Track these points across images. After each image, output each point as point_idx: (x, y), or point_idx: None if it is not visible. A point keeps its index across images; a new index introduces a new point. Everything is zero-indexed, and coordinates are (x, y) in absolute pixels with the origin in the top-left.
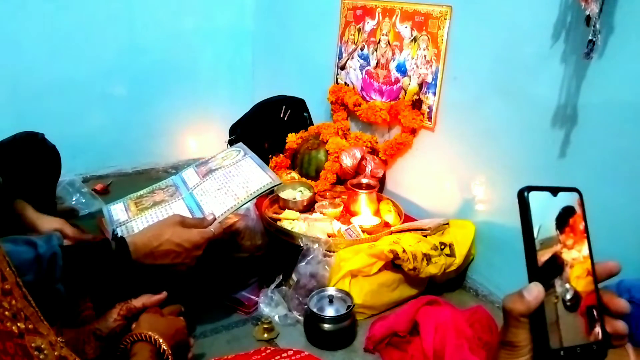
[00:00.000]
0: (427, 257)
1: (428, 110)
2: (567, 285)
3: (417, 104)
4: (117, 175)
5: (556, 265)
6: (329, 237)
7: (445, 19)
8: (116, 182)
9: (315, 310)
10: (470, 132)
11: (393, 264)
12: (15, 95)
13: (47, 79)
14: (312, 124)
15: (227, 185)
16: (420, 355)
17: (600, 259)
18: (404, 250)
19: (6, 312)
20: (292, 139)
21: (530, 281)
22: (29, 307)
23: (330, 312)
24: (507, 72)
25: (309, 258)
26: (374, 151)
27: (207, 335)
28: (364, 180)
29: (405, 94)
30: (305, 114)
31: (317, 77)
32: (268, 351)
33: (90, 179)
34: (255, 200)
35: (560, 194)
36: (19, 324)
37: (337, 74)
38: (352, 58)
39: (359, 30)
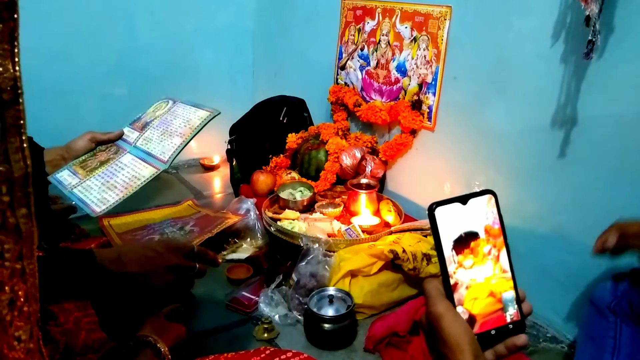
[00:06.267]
0: (427, 257)
1: (428, 110)
2: (459, 309)
3: (417, 104)
4: None
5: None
6: (329, 237)
7: (445, 19)
8: None
9: (315, 310)
10: (470, 132)
11: (393, 264)
12: None
13: (46, 79)
14: (312, 124)
15: (169, 129)
16: (420, 355)
17: (602, 258)
18: (404, 250)
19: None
20: (292, 139)
21: (446, 295)
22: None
23: (330, 312)
24: (506, 72)
25: (309, 258)
26: (374, 151)
27: (207, 335)
28: (364, 180)
29: (405, 94)
30: (305, 114)
31: (317, 77)
32: (268, 352)
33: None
34: (200, 132)
35: (471, 201)
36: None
37: (337, 74)
38: (352, 58)
39: (359, 30)
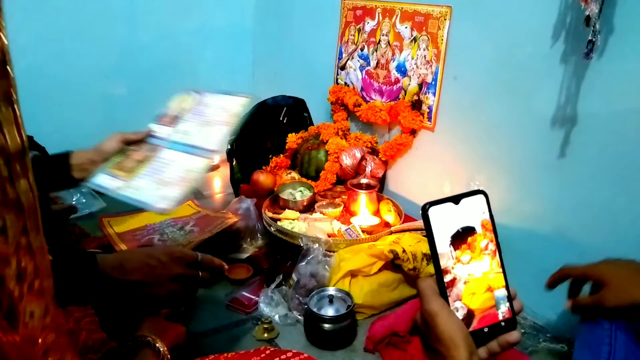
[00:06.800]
0: (427, 257)
1: (428, 110)
2: (458, 304)
3: (417, 104)
4: None
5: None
6: (329, 237)
7: (445, 19)
8: None
9: (315, 310)
10: (470, 132)
11: (393, 264)
12: None
13: (47, 79)
14: (312, 124)
15: (208, 120)
16: (420, 355)
17: (603, 258)
18: (404, 250)
19: (40, 349)
20: (292, 139)
21: (440, 293)
22: (63, 337)
23: (330, 312)
24: (507, 72)
25: (309, 258)
26: (374, 151)
27: (207, 335)
28: (364, 180)
29: (405, 94)
30: (305, 114)
31: (318, 77)
32: (268, 352)
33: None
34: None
35: (463, 200)
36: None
37: (337, 74)
38: (352, 58)
39: (359, 30)
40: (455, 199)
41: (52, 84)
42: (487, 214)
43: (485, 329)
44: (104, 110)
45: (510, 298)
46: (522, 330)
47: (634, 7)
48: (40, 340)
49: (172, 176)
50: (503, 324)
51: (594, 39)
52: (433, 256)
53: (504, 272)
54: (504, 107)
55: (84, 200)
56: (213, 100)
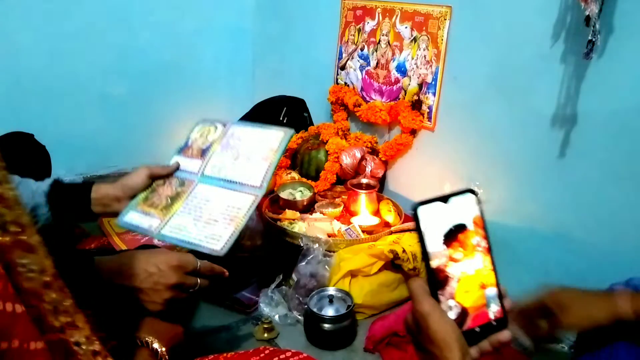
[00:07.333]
0: None
1: (428, 110)
2: (451, 302)
3: (417, 104)
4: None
5: (439, 279)
6: (329, 237)
7: (445, 19)
8: None
9: (315, 310)
10: (470, 132)
11: (393, 264)
12: (15, 96)
13: (47, 79)
14: (312, 124)
15: (243, 153)
16: None
17: (603, 258)
18: (403, 250)
19: (48, 307)
20: (292, 139)
21: (431, 293)
22: (68, 299)
23: (330, 312)
24: (507, 72)
25: (309, 258)
26: (374, 151)
27: (207, 335)
28: (364, 180)
29: (405, 94)
30: (305, 114)
31: (318, 77)
32: (267, 352)
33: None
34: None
35: (452, 199)
36: (60, 318)
37: (338, 74)
38: (352, 58)
39: (359, 30)
40: (444, 198)
41: (52, 83)
42: (478, 211)
43: (477, 329)
44: (103, 110)
45: (501, 296)
46: (522, 330)
47: (634, 7)
48: (44, 297)
49: (216, 214)
50: (495, 323)
51: (594, 39)
52: (423, 256)
53: (495, 270)
54: (504, 107)
55: None
56: (245, 134)
